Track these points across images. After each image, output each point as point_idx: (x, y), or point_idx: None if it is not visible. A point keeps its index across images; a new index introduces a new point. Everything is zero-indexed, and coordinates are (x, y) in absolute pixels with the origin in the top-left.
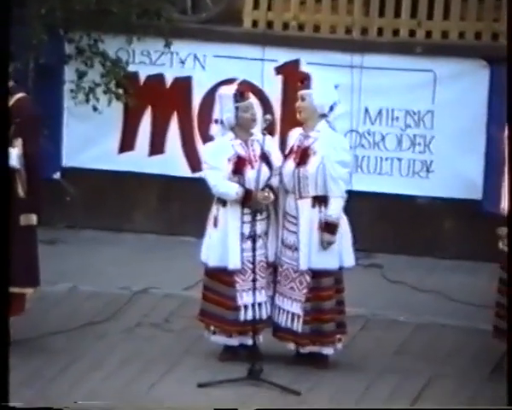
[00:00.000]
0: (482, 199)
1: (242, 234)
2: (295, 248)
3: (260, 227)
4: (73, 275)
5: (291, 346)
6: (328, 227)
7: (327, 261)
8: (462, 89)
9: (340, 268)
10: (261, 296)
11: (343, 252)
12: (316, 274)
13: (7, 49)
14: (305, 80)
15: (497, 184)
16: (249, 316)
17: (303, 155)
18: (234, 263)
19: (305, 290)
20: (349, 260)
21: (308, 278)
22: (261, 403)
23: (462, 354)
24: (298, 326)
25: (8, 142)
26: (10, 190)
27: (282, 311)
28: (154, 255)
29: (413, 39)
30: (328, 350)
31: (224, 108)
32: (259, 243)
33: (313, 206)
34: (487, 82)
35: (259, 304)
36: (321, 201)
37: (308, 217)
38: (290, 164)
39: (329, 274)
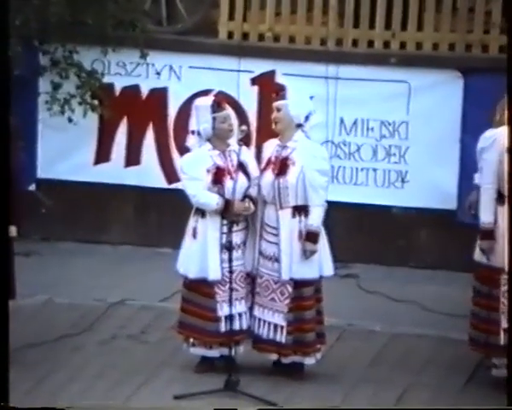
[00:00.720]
0: (457, 209)
1: (222, 245)
2: (276, 259)
3: (239, 237)
4: (49, 287)
5: (273, 356)
6: (310, 236)
7: (308, 271)
8: (436, 99)
9: (320, 277)
10: (241, 307)
11: (323, 261)
12: (297, 284)
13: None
14: (280, 91)
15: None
16: (229, 327)
17: (282, 166)
18: (214, 274)
19: (287, 301)
20: (328, 269)
21: (290, 288)
22: None
23: (437, 364)
24: (281, 337)
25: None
26: None
27: (262, 322)
28: (130, 267)
29: (387, 50)
30: (309, 360)
31: (201, 118)
32: (238, 253)
33: (293, 216)
34: (461, 93)
35: (240, 314)
36: (301, 210)
37: (289, 227)
38: (269, 175)
39: (310, 284)
